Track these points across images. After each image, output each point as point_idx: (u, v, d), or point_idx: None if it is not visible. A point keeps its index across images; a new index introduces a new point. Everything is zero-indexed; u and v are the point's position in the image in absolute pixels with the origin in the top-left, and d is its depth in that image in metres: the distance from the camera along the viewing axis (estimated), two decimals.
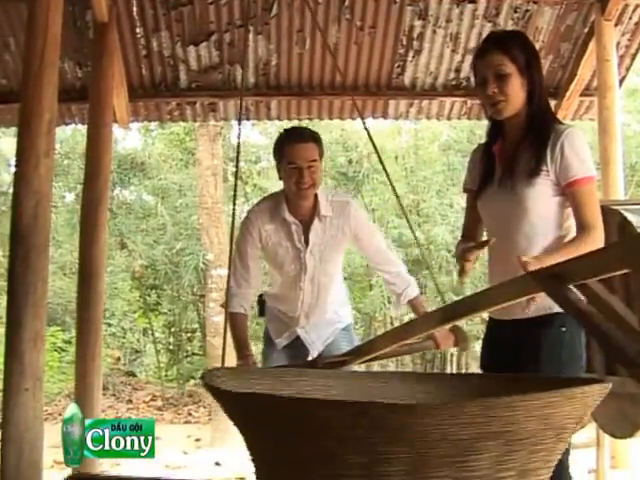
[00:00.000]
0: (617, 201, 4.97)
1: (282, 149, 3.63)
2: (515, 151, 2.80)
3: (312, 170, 3.56)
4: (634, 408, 3.89)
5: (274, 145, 3.75)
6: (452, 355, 10.77)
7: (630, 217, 3.92)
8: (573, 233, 2.73)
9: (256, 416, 1.74)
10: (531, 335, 2.76)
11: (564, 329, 2.73)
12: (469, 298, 2.87)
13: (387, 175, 4.73)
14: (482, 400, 1.61)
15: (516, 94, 2.75)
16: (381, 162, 4.72)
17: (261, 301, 4.04)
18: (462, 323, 4.07)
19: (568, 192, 2.68)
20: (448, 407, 1.56)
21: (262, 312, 4.07)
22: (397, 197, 4.66)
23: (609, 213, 4.12)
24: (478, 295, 2.64)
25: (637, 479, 5.71)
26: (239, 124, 4.52)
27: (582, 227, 2.66)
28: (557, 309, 2.64)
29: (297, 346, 3.90)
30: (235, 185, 4.42)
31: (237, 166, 4.47)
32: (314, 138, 3.65)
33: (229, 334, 3.76)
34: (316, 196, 3.68)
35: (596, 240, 2.62)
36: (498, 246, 2.79)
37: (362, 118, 5.25)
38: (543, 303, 2.54)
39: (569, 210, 2.74)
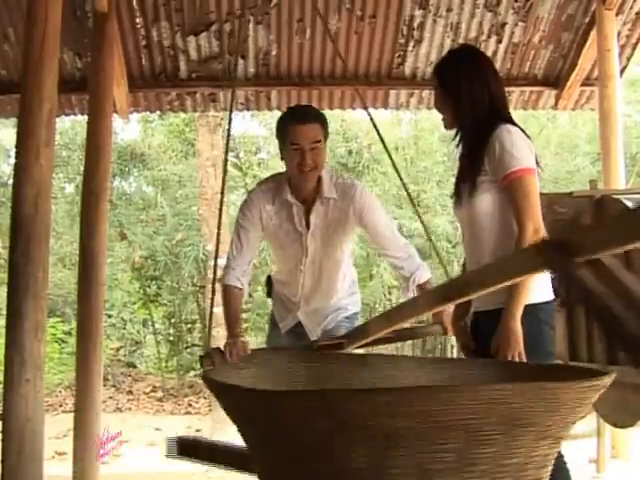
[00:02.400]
0: (618, 190, 4.97)
1: (285, 129, 3.48)
2: (461, 164, 3.03)
3: (315, 152, 3.43)
4: (636, 398, 3.89)
5: (277, 124, 3.61)
6: (452, 347, 10.76)
7: (631, 206, 3.92)
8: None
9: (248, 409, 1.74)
10: (492, 326, 2.79)
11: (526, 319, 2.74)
12: (469, 276, 2.78)
13: (393, 164, 4.67)
14: (490, 385, 1.61)
15: (445, 110, 3.04)
16: (386, 149, 4.66)
17: (269, 282, 3.96)
18: None
19: (504, 187, 2.79)
20: (451, 391, 1.56)
21: (270, 293, 3.97)
22: (405, 186, 4.59)
23: (610, 202, 4.12)
24: (479, 272, 2.56)
25: (638, 469, 5.71)
26: (230, 115, 4.28)
27: (517, 224, 2.76)
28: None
29: (299, 331, 3.82)
30: (224, 176, 4.21)
31: (226, 156, 4.25)
32: (318, 118, 3.51)
33: (217, 310, 3.70)
34: (320, 178, 3.54)
35: (527, 239, 2.69)
36: (466, 248, 3.04)
37: (365, 108, 5.22)
38: (497, 297, 2.62)
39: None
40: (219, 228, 3.92)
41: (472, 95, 2.92)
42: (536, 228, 2.71)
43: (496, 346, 2.70)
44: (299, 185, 3.53)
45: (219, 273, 3.73)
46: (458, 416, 1.48)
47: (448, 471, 1.55)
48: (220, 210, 3.95)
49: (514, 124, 2.89)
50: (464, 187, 2.92)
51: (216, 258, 3.84)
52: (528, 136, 2.91)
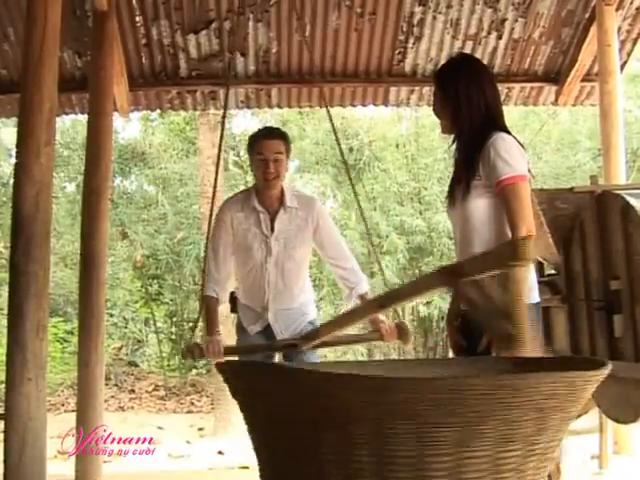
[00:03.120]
0: (619, 186, 4.96)
1: (254, 143, 4.16)
2: (456, 168, 3.16)
3: (278, 163, 4.08)
4: (638, 393, 3.89)
5: (248, 141, 4.29)
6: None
7: (632, 202, 3.92)
8: None
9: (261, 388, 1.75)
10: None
11: None
12: (396, 290, 3.62)
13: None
14: (490, 378, 1.63)
15: (444, 115, 3.20)
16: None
17: (233, 298, 4.43)
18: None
19: (498, 193, 2.92)
20: (454, 382, 1.57)
21: (234, 309, 4.47)
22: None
23: (611, 198, 4.12)
24: (403, 287, 3.42)
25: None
26: (224, 112, 5.23)
27: (511, 230, 2.89)
28: None
29: (268, 333, 4.28)
30: (216, 173, 5.16)
31: (219, 155, 4.93)
32: (281, 135, 4.20)
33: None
34: (282, 190, 4.18)
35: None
36: (458, 248, 3.15)
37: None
38: None
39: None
40: (209, 226, 4.47)
41: (470, 100, 3.06)
42: (529, 230, 2.83)
43: (485, 344, 2.80)
44: (265, 193, 4.18)
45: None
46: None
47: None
48: (210, 213, 4.54)
49: (508, 133, 3.03)
50: (458, 190, 3.05)
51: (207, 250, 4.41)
52: (522, 144, 3.06)
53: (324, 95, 6.47)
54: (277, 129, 4.44)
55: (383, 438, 1.56)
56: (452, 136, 3.20)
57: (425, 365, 2.37)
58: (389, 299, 3.27)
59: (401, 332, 4.18)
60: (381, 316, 4.13)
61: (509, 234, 2.90)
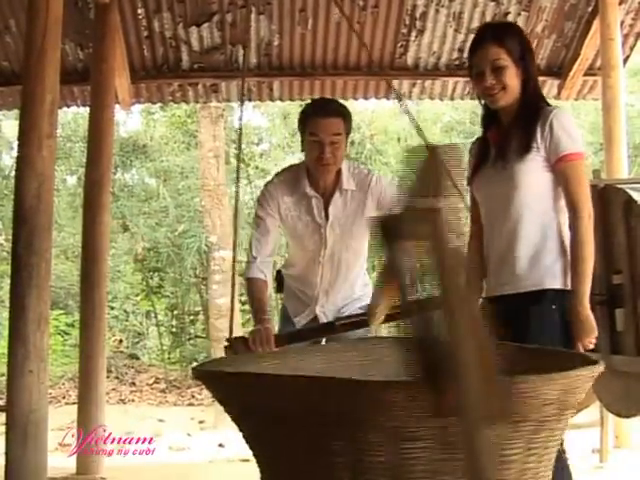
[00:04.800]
0: (622, 180, 4.95)
1: (305, 121, 3.49)
2: (507, 133, 2.89)
3: (335, 146, 3.42)
4: (639, 387, 3.89)
5: (299, 114, 3.63)
6: None
7: (635, 195, 3.91)
8: (565, 213, 2.82)
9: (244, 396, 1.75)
10: (520, 312, 2.79)
11: (554, 307, 2.75)
12: None
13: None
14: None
15: (513, 85, 2.85)
16: None
17: (279, 277, 3.90)
18: None
19: (557, 168, 2.78)
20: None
21: (280, 288, 3.93)
22: None
23: (614, 192, 4.11)
24: None
25: None
26: (241, 105, 4.37)
27: (571, 209, 2.76)
28: (548, 285, 2.71)
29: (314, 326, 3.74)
30: (238, 168, 4.20)
31: (239, 148, 4.39)
32: (340, 112, 3.50)
33: (220, 302, 3.71)
34: (339, 170, 3.53)
35: (585, 224, 2.72)
36: (492, 223, 2.93)
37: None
38: (533, 278, 2.63)
39: (560, 189, 2.82)
40: (236, 220, 3.97)
41: (535, 73, 2.92)
42: (590, 214, 2.74)
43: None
44: (317, 178, 3.53)
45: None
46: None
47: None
48: (236, 206, 4.01)
49: None
50: (504, 162, 2.85)
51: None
52: None
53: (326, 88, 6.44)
54: (335, 103, 3.68)
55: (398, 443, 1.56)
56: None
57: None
58: None
59: None
60: None
61: (561, 213, 2.81)
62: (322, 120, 3.41)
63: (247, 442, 1.90)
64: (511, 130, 2.88)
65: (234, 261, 3.78)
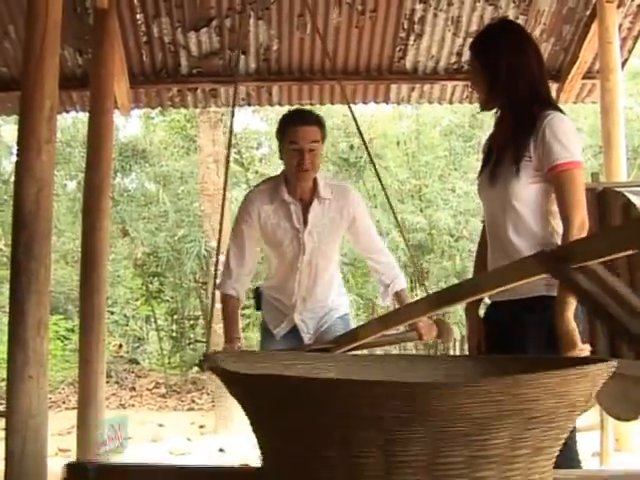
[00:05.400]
0: (620, 183, 4.95)
1: (285, 130, 3.65)
2: (504, 141, 2.85)
3: (313, 153, 3.59)
4: (638, 390, 3.89)
5: (278, 125, 3.76)
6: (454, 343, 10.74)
7: (634, 199, 3.91)
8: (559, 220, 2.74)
9: (266, 398, 1.73)
10: (517, 318, 2.78)
11: (549, 313, 2.71)
12: (465, 282, 3.00)
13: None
14: (502, 378, 1.62)
15: (478, 87, 2.91)
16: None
17: (257, 294, 4.05)
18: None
19: (550, 177, 2.69)
20: (467, 386, 1.56)
21: (259, 306, 4.06)
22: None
23: (612, 195, 4.11)
24: (474, 279, 2.68)
25: None
26: (232, 108, 4.69)
27: (562, 218, 2.67)
28: (543, 292, 2.68)
29: (294, 335, 3.90)
30: (226, 173, 4.50)
31: (228, 152, 4.58)
32: (317, 121, 3.67)
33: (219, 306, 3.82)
34: (315, 179, 3.71)
35: (573, 234, 2.61)
36: (492, 232, 2.92)
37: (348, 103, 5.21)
38: (528, 286, 2.59)
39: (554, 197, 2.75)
40: (221, 224, 4.03)
41: (512, 70, 2.78)
42: (583, 222, 2.63)
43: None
44: (296, 184, 3.70)
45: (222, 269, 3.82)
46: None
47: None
48: (222, 209, 4.22)
49: (561, 111, 2.79)
50: (502, 170, 2.80)
51: (218, 254, 3.92)
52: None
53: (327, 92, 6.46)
54: (312, 113, 3.83)
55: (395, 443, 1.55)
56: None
57: (433, 363, 2.31)
58: (444, 298, 2.82)
59: (441, 329, 3.76)
60: None
61: (555, 224, 2.73)
62: (301, 129, 3.59)
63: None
64: (507, 136, 2.84)
65: (215, 269, 3.96)
